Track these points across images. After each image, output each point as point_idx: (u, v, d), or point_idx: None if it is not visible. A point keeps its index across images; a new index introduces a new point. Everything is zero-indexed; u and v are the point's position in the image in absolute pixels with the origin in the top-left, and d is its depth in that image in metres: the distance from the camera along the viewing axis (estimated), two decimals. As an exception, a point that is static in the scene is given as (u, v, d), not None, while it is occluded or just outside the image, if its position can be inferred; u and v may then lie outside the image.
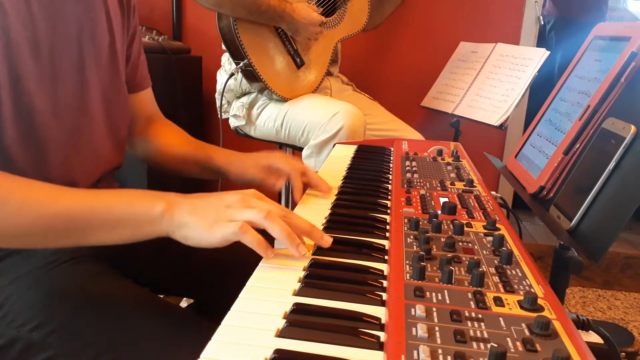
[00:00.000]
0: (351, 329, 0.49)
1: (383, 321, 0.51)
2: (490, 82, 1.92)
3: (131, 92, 0.99)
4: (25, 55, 0.72)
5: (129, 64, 0.98)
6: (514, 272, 0.59)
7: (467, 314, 0.49)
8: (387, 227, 0.75)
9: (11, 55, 0.70)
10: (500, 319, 0.49)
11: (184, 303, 1.26)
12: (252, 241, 0.61)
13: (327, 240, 0.66)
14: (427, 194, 0.85)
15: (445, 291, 0.53)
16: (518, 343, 0.45)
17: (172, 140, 1.03)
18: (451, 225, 0.71)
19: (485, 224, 0.73)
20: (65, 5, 0.78)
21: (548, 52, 1.78)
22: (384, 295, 0.55)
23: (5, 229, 0.62)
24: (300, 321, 0.50)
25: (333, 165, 1.11)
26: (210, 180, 2.04)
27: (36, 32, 0.73)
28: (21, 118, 0.73)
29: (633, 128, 0.68)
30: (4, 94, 0.70)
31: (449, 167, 1.03)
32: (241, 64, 1.69)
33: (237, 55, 1.69)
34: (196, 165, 0.99)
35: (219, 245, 0.62)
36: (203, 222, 0.62)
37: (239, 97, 1.87)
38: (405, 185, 0.90)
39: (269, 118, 1.80)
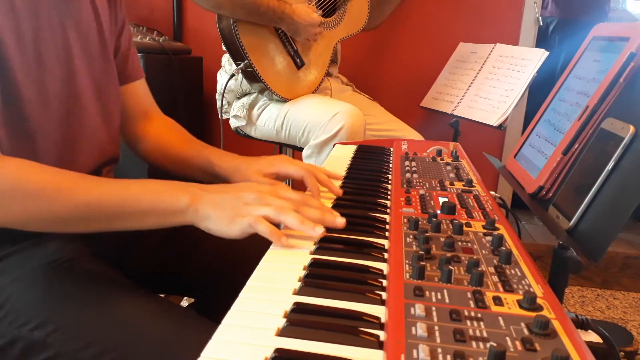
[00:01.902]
0: (351, 328, 0.49)
1: (383, 320, 0.51)
2: (489, 83, 1.92)
3: (123, 83, 0.99)
4: (10, 46, 0.72)
5: (119, 55, 0.97)
6: (513, 271, 0.59)
7: (466, 314, 0.49)
8: (387, 226, 0.75)
9: None
10: (500, 318, 0.49)
11: (184, 302, 1.27)
12: (265, 230, 0.66)
13: (339, 222, 0.71)
14: (427, 194, 0.86)
15: (445, 290, 0.54)
16: (517, 342, 0.45)
17: (172, 139, 1.02)
18: (450, 225, 0.71)
19: (484, 223, 0.73)
20: None
21: (547, 53, 1.78)
22: (384, 295, 0.56)
23: (41, 218, 0.68)
24: (300, 320, 0.50)
25: (333, 166, 1.11)
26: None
27: (19, 22, 0.73)
28: (8, 109, 0.73)
29: (632, 128, 0.69)
30: None
31: (448, 167, 1.04)
32: (241, 65, 1.69)
33: (238, 56, 1.70)
34: (198, 170, 0.98)
35: (238, 237, 0.68)
36: (223, 216, 0.68)
37: (239, 98, 1.87)
38: (405, 185, 0.91)
39: (269, 118, 1.80)
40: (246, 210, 0.68)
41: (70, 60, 0.82)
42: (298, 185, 0.91)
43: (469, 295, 0.53)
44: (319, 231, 0.68)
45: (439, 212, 0.77)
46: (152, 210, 0.69)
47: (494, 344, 0.42)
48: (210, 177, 0.97)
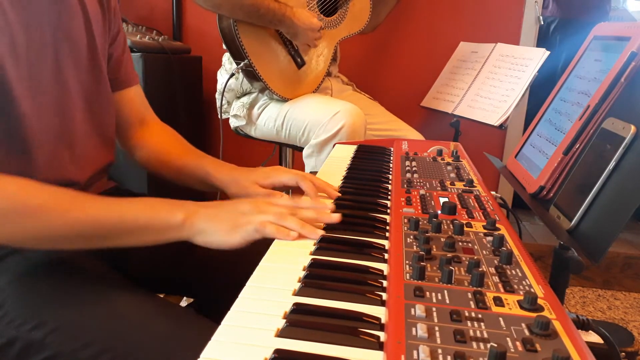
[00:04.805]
0: (351, 329, 0.49)
1: (383, 321, 0.51)
2: (490, 82, 1.92)
3: (117, 89, 0.99)
4: (6, 60, 0.72)
5: (111, 61, 0.98)
6: (513, 272, 0.59)
7: (467, 314, 0.49)
8: (387, 227, 0.75)
9: None
10: (500, 319, 0.49)
11: (183, 303, 1.26)
12: (273, 231, 0.69)
13: (335, 217, 0.74)
14: (427, 194, 0.85)
15: (445, 291, 0.53)
16: (518, 343, 0.45)
17: (170, 148, 1.02)
18: (451, 225, 0.71)
19: (485, 224, 0.73)
20: (39, 10, 0.78)
21: (548, 52, 1.78)
22: (384, 295, 0.55)
23: (39, 236, 0.69)
24: (300, 321, 0.50)
25: (333, 166, 1.11)
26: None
27: (13, 36, 0.73)
28: (4, 123, 0.73)
29: (633, 128, 0.68)
30: None
31: (449, 167, 1.03)
32: (241, 64, 1.69)
33: (238, 55, 1.69)
34: (195, 180, 0.98)
35: (239, 246, 0.70)
36: (222, 228, 0.70)
37: (239, 97, 1.87)
38: (405, 185, 0.90)
39: (269, 118, 1.79)
40: (245, 219, 0.70)
41: (61, 73, 0.82)
42: (298, 192, 0.91)
43: (470, 295, 0.53)
44: (320, 233, 0.70)
45: (439, 212, 0.77)
46: (148, 226, 0.70)
47: (495, 345, 0.42)
48: (208, 187, 0.98)
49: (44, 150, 0.80)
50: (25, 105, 0.76)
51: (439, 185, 0.92)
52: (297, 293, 0.56)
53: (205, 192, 0.82)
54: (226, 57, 1.84)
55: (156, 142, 1.03)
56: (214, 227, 0.70)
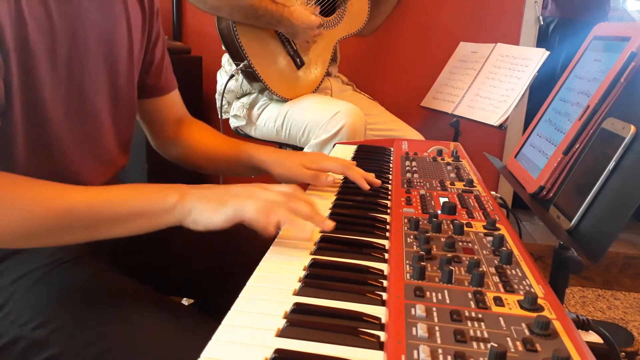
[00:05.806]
0: (351, 329, 0.49)
1: (383, 321, 0.51)
2: (490, 82, 1.92)
3: (157, 95, 1.00)
4: (43, 65, 0.72)
5: (153, 68, 0.98)
6: (513, 272, 0.59)
7: (467, 314, 0.49)
8: (387, 227, 0.75)
9: (28, 66, 0.70)
10: (500, 318, 0.49)
11: (184, 303, 1.26)
12: (253, 215, 0.65)
13: (328, 224, 0.68)
14: (427, 194, 0.86)
15: (445, 291, 0.53)
16: (518, 343, 0.45)
17: (206, 139, 1.04)
18: (451, 225, 0.71)
19: (485, 223, 0.73)
20: (86, 15, 0.78)
21: (548, 52, 1.78)
22: (384, 295, 0.55)
23: (19, 230, 0.63)
24: (300, 321, 0.50)
25: (333, 165, 1.11)
26: (211, 178, 2.04)
27: (55, 41, 0.73)
28: (33, 126, 0.73)
29: (633, 128, 0.68)
30: (16, 103, 0.70)
31: (449, 167, 1.04)
32: (241, 65, 1.69)
33: (237, 56, 1.69)
34: (237, 165, 1.00)
35: (223, 226, 0.66)
36: (209, 205, 0.66)
37: (239, 98, 1.87)
38: (405, 185, 0.90)
39: (269, 118, 1.80)
40: (235, 201, 0.67)
41: (97, 80, 0.82)
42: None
43: (470, 295, 0.53)
44: (308, 233, 0.65)
45: (439, 212, 0.77)
46: (143, 211, 0.67)
47: (495, 345, 0.42)
48: (252, 170, 0.99)
49: (70, 155, 0.79)
50: (56, 110, 0.75)
51: (439, 185, 0.92)
52: (298, 293, 0.56)
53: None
54: (225, 58, 1.84)
55: (191, 136, 1.04)
56: (201, 205, 0.66)
